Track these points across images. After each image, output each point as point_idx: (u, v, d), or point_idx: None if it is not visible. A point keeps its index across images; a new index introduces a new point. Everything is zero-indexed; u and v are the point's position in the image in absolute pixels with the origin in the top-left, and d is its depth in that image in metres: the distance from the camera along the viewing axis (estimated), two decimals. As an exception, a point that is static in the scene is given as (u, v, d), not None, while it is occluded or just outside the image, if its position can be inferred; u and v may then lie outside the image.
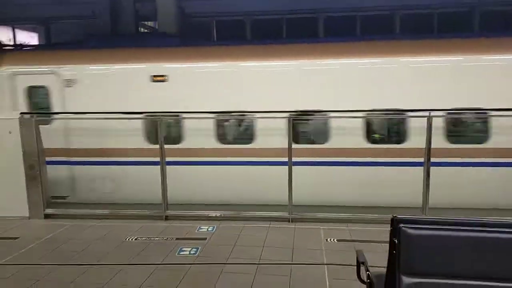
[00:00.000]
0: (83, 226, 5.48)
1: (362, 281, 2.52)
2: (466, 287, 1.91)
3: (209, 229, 5.32)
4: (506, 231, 1.87)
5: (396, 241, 2.02)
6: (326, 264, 4.23)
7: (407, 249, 1.98)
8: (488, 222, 1.90)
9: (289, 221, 5.56)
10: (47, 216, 5.84)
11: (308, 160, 6.33)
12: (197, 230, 5.29)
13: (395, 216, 2.11)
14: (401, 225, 2.03)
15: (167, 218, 5.73)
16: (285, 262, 4.31)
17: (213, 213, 5.73)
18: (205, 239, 4.98)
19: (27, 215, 5.81)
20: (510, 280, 1.85)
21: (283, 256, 4.46)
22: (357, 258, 2.58)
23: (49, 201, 6.03)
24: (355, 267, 2.53)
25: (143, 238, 5.03)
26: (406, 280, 1.97)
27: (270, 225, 5.46)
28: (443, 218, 1.98)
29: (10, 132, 5.65)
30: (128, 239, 5.01)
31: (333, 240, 4.91)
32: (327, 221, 5.47)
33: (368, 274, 2.39)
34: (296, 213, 5.64)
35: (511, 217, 4.16)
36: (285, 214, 5.62)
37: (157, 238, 5.03)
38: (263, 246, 4.74)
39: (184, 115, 6.53)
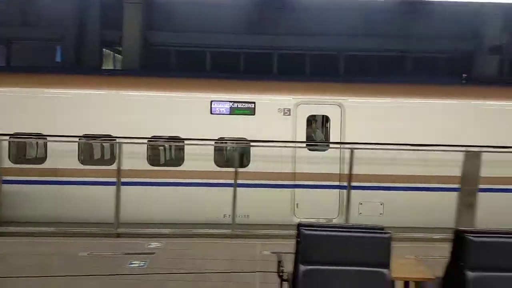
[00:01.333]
0: (36, 243, 5.77)
1: (280, 276, 3.29)
2: (343, 271, 2.74)
3: (157, 245, 5.85)
4: (360, 231, 2.75)
5: (298, 239, 2.83)
6: (258, 271, 4.95)
7: (305, 245, 2.79)
8: (355, 226, 2.78)
9: (231, 237, 6.26)
10: (-2, 234, 6.06)
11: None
12: (147, 246, 5.80)
13: (299, 223, 2.93)
14: (301, 228, 2.84)
15: (118, 235, 6.18)
16: (223, 271, 4.98)
17: (162, 231, 6.29)
18: (153, 253, 5.51)
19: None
20: (366, 265, 2.70)
21: (222, 266, 5.11)
22: (277, 259, 3.35)
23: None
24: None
25: (95, 253, 5.45)
26: (303, 267, 2.77)
27: (214, 241, 6.12)
28: (332, 224, 2.83)
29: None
30: (81, 254, 5.41)
31: (268, 252, 5.65)
32: (265, 237, 6.24)
33: (282, 269, 3.18)
34: (238, 230, 6.37)
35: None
36: (227, 230, 6.33)
37: (109, 254, 5.48)
38: (205, 259, 5.37)
39: None
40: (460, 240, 2.79)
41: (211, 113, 7.31)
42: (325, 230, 2.86)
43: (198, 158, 7.16)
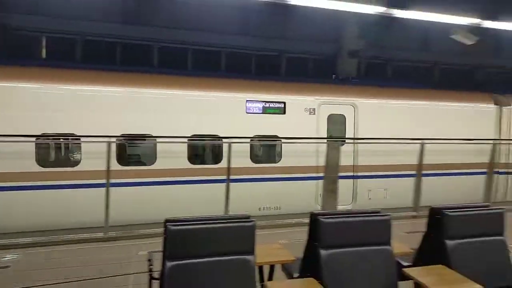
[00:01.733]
0: None
1: (150, 276, 3.20)
2: (209, 262, 2.79)
3: (13, 257, 5.14)
4: (226, 221, 2.85)
5: (165, 235, 2.78)
6: (133, 273, 4.74)
7: (169, 241, 2.75)
8: (220, 216, 2.86)
9: (104, 241, 5.84)
10: None
11: None
12: (-1, 260, 5.05)
13: (166, 219, 2.87)
14: (168, 224, 2.80)
15: (-41, 250, 5.23)
16: (94, 277, 4.63)
17: (19, 240, 5.53)
18: (8, 267, 4.82)
19: None
20: (231, 254, 2.81)
21: (92, 272, 4.75)
22: (148, 257, 3.25)
23: None
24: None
25: None
26: (169, 263, 2.73)
27: (85, 247, 5.63)
28: (193, 217, 2.85)
29: None
30: None
31: (145, 252, 5.44)
32: (144, 237, 5.99)
33: (150, 267, 3.09)
34: (112, 232, 5.97)
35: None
36: (100, 234, 5.89)
37: None
38: (72, 266, 4.91)
39: None
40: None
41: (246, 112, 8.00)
42: (191, 223, 2.86)
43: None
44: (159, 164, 7.45)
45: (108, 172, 6.12)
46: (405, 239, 4.08)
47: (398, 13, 8.10)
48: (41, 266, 4.88)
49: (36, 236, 5.67)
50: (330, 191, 7.11)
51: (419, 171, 7.92)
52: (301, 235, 3.44)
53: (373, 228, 3.18)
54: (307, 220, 3.25)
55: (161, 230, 5.79)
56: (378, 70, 15.22)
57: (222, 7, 12.86)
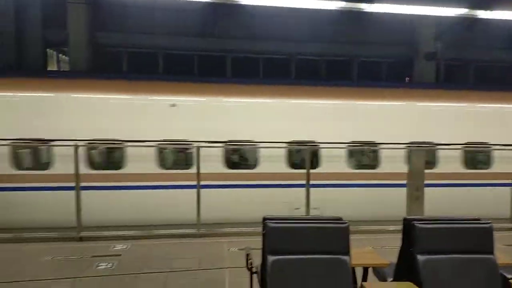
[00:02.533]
0: (-5, 250, 5.59)
1: (249, 269, 3.46)
2: (307, 259, 2.96)
3: (123, 247, 5.84)
4: (320, 222, 3.00)
5: (263, 231, 3.02)
6: (227, 267, 5.11)
7: (270, 237, 2.98)
8: (316, 217, 3.01)
9: (197, 237, 6.36)
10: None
11: None
12: (112, 249, 5.78)
13: (264, 217, 3.12)
14: (266, 221, 3.04)
15: (81, 239, 6.09)
16: (192, 268, 5.08)
17: (126, 233, 6.26)
18: (120, 255, 5.51)
19: None
20: (327, 253, 2.95)
21: (191, 264, 5.22)
22: (245, 252, 3.52)
23: None
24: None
25: (60, 258, 5.36)
26: (270, 258, 2.96)
27: (180, 241, 6.19)
28: (292, 216, 3.05)
29: None
30: (45, 259, 5.30)
31: (235, 249, 5.82)
32: (232, 235, 6.40)
33: (250, 261, 3.35)
34: (203, 229, 6.47)
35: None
36: (193, 230, 6.42)
37: (74, 257, 5.41)
38: (173, 258, 5.44)
39: None
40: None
41: None
42: (288, 222, 3.07)
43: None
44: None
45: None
46: (506, 251, 3.84)
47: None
48: (146, 256, 5.48)
49: (140, 230, 6.37)
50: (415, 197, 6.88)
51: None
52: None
53: (473, 235, 3.08)
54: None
55: (246, 229, 6.20)
56: None
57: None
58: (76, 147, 6.25)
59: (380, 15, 8.64)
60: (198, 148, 6.67)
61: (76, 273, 4.82)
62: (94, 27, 12.36)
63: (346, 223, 3.09)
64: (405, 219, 3.28)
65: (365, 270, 3.49)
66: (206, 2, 6.63)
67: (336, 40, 13.55)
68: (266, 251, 3.01)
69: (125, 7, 12.26)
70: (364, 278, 3.48)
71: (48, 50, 13.53)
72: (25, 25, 12.08)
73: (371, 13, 8.20)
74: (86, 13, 12.03)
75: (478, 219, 3.24)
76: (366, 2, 6.97)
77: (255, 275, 3.37)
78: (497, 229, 6.86)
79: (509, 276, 3.36)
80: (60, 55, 14.81)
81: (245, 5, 7.03)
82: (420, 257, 3.00)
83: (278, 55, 13.98)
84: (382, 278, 3.51)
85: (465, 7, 7.62)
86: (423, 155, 7.42)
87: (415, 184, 7.19)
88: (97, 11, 12.42)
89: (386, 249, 5.75)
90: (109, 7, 12.40)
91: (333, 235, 3.03)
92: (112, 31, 12.75)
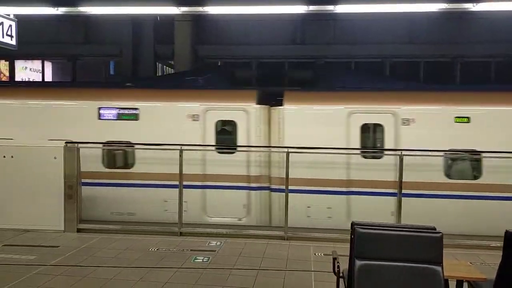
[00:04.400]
0: (111, 239, 6.49)
1: (336, 273, 3.58)
2: (396, 267, 2.99)
3: (217, 244, 6.34)
4: (411, 230, 2.99)
5: (352, 236, 3.12)
6: (313, 271, 5.25)
7: (358, 242, 3.07)
8: (405, 226, 3.02)
9: (284, 239, 6.61)
10: (79, 230, 6.87)
11: None
12: (208, 244, 6.31)
13: (353, 222, 3.22)
14: (356, 226, 3.13)
15: (181, 234, 6.76)
16: (280, 269, 5.33)
17: (220, 230, 6.78)
18: (214, 251, 6.00)
19: (62, 229, 6.83)
20: (418, 261, 2.93)
21: (279, 265, 5.47)
22: (332, 256, 3.65)
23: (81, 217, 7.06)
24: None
25: (163, 249, 6.04)
26: (358, 262, 3.05)
27: (269, 242, 6.50)
28: (379, 223, 3.10)
29: (55, 158, 6.78)
30: (151, 249, 6.02)
31: (321, 254, 5.93)
32: (317, 240, 6.52)
33: (338, 265, 3.47)
34: (290, 232, 6.69)
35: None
36: (281, 233, 6.68)
37: (175, 250, 6.05)
38: (263, 257, 5.75)
39: None
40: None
41: None
42: (377, 228, 3.12)
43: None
44: None
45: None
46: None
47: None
48: (238, 253, 5.88)
49: (233, 229, 6.85)
50: None
51: None
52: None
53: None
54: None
55: (331, 235, 6.25)
56: None
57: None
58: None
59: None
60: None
61: (175, 265, 5.40)
62: (195, 40, 13.54)
63: (439, 232, 3.04)
64: (507, 232, 3.10)
65: (459, 283, 3.37)
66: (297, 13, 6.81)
67: (433, 41, 12.83)
68: (353, 255, 3.11)
69: (221, 21, 13.20)
70: (458, 292, 3.36)
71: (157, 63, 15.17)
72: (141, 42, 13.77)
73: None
74: (189, 28, 13.23)
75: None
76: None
77: (341, 280, 3.47)
78: None
79: None
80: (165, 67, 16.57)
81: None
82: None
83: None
84: (478, 293, 3.35)
85: None
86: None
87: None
88: (198, 27, 13.60)
89: (485, 265, 5.38)
90: (208, 22, 13.46)
91: (425, 244, 3.01)
92: (210, 44, 13.84)
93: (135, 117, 7.79)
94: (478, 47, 12.83)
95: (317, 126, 7.48)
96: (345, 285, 3.39)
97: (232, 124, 7.82)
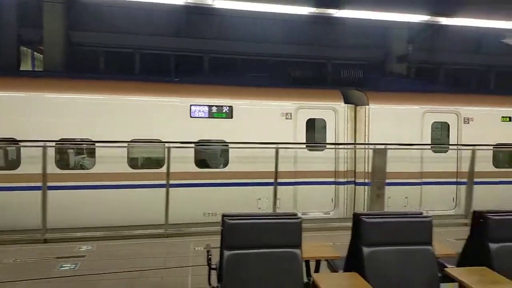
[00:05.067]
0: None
1: (208, 265, 3.61)
2: (261, 253, 3.15)
3: (88, 248, 5.86)
4: (275, 218, 3.20)
5: (222, 227, 3.19)
6: (191, 266, 5.24)
7: (227, 233, 3.15)
8: (272, 214, 3.21)
9: (164, 237, 6.45)
10: None
11: None
12: (77, 250, 5.79)
13: (223, 214, 3.29)
14: (225, 218, 3.21)
15: (46, 241, 6.05)
16: (158, 267, 5.18)
17: (91, 234, 6.27)
18: (84, 256, 5.53)
19: None
20: (280, 247, 3.15)
21: (157, 264, 5.31)
22: (206, 249, 3.67)
23: None
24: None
25: (22, 259, 5.33)
26: (226, 252, 3.13)
27: (147, 241, 6.26)
28: (247, 213, 3.23)
29: None
30: (6, 262, 5.25)
31: (201, 248, 5.95)
32: (197, 234, 6.53)
33: (209, 257, 3.51)
34: (171, 229, 6.56)
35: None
36: (161, 231, 6.50)
37: (37, 259, 5.39)
38: (140, 258, 5.52)
39: None
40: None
41: None
42: (244, 218, 3.25)
43: None
44: None
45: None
46: (455, 245, 4.16)
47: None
48: (111, 257, 5.53)
49: (106, 231, 6.40)
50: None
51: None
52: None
53: (414, 228, 3.37)
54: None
55: (212, 229, 6.34)
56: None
57: None
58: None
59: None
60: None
61: (35, 275, 4.82)
62: (69, 26, 12.20)
63: (299, 218, 3.30)
64: (355, 214, 3.52)
65: (318, 262, 3.72)
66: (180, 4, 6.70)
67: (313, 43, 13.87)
68: (223, 246, 3.18)
69: (98, 6, 12.15)
70: (317, 270, 3.71)
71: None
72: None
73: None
74: (61, 12, 11.85)
75: (421, 213, 3.53)
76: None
77: (214, 271, 3.52)
78: (452, 224, 7.38)
79: (448, 265, 3.68)
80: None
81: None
82: (365, 249, 3.25)
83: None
84: (334, 270, 3.75)
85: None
86: (385, 154, 7.72)
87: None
88: (72, 11, 12.27)
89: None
90: (83, 6, 12.26)
91: (287, 230, 3.24)
92: (86, 31, 12.63)
93: (227, 115, 7.71)
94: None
95: (397, 124, 8.34)
96: (217, 276, 3.45)
97: (321, 122, 8.28)
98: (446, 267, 3.57)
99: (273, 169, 7.02)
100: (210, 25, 13.23)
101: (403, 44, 13.01)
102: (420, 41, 13.27)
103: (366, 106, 8.39)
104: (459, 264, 3.69)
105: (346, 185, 8.27)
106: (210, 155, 8.22)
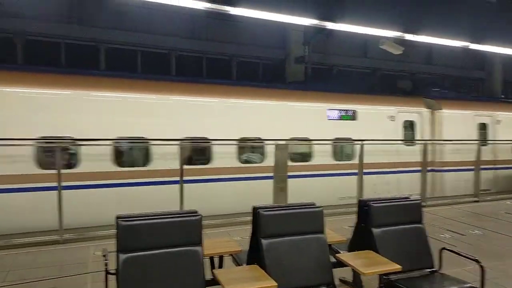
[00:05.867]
0: None
1: (106, 270, 3.39)
2: (157, 254, 3.06)
3: (-33, 262, 5.12)
4: (173, 216, 3.15)
5: (116, 230, 3.02)
6: (90, 272, 4.90)
7: (121, 235, 3.00)
8: (167, 212, 3.15)
9: (60, 243, 5.91)
10: None
11: None
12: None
13: (117, 215, 3.11)
14: (119, 220, 3.05)
15: None
16: (51, 277, 4.74)
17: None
18: (-40, 271, 4.82)
19: None
20: (180, 245, 3.11)
21: (50, 273, 4.85)
22: (102, 253, 3.45)
23: None
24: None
25: None
26: (122, 256, 2.98)
27: (41, 249, 5.68)
28: (142, 213, 3.12)
29: None
30: None
31: (101, 253, 5.58)
32: (97, 239, 6.12)
33: (106, 262, 3.30)
34: (68, 234, 6.05)
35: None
36: (55, 237, 5.95)
37: None
38: (30, 268, 4.98)
39: None
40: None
41: None
42: (140, 219, 3.12)
43: None
44: None
45: None
46: (349, 232, 4.51)
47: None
48: (4, 269, 4.91)
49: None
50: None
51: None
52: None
53: (308, 218, 3.58)
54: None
55: (111, 232, 5.99)
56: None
57: None
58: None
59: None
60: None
61: None
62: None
63: (198, 215, 3.28)
64: (253, 208, 3.61)
65: (221, 258, 3.75)
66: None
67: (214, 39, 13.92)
68: (118, 249, 3.02)
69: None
70: (220, 266, 3.74)
71: None
72: None
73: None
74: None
75: (313, 204, 3.76)
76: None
77: (111, 276, 3.33)
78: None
79: (341, 251, 3.99)
80: None
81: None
82: (264, 241, 3.37)
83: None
84: (238, 264, 3.82)
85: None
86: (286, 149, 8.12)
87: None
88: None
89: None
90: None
91: (185, 228, 3.19)
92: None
93: (351, 117, 9.81)
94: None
95: (459, 125, 11.21)
96: (116, 281, 3.26)
97: (412, 123, 10.71)
98: (339, 252, 3.88)
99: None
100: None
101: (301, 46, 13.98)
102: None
103: (441, 111, 11.00)
104: (350, 249, 4.03)
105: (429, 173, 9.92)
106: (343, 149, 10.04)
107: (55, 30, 12.08)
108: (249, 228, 3.64)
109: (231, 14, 7.63)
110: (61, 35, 12.28)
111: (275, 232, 3.43)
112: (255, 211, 3.51)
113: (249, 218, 3.64)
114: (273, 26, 11.03)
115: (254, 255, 3.52)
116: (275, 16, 7.78)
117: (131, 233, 3.01)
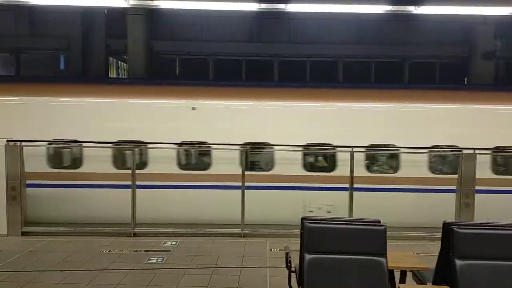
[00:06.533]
0: (59, 242, 6.19)
1: (288, 267, 3.62)
2: (343, 259, 3.08)
3: (172, 243, 6.23)
4: (357, 224, 3.10)
5: (301, 231, 3.17)
6: (268, 267, 5.30)
7: (307, 236, 3.13)
8: (351, 219, 3.12)
9: (241, 237, 6.61)
10: (24, 234, 6.48)
11: None
12: (163, 244, 6.19)
13: (303, 217, 3.27)
14: (305, 221, 3.19)
15: (135, 234, 6.57)
16: (236, 266, 5.33)
17: (176, 230, 6.66)
18: (169, 250, 5.89)
19: (5, 232, 6.42)
20: (364, 254, 3.04)
21: (235, 262, 5.47)
22: (285, 251, 3.69)
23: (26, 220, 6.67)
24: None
25: (116, 251, 5.85)
26: (307, 256, 3.11)
27: (226, 240, 6.48)
28: (326, 217, 3.17)
29: None
30: (102, 251, 5.81)
31: (277, 250, 5.99)
32: (273, 236, 6.59)
33: (289, 260, 3.51)
34: (247, 229, 6.71)
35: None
36: (238, 230, 6.68)
37: (128, 251, 5.87)
38: (219, 255, 5.73)
39: None
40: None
41: None
42: (325, 223, 3.20)
43: None
44: None
45: None
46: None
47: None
48: (194, 252, 5.82)
49: (189, 227, 6.74)
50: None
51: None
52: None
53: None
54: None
55: (287, 231, 6.33)
56: None
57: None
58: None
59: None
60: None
61: (128, 265, 5.25)
62: (150, 35, 13.20)
63: (383, 225, 3.17)
64: (445, 223, 3.28)
65: (403, 273, 3.52)
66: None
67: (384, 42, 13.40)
68: (303, 250, 3.16)
69: (176, 16, 12.93)
70: (402, 281, 3.51)
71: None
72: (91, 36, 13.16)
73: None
74: (143, 23, 12.86)
75: None
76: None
77: (293, 274, 3.52)
78: None
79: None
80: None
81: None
82: (458, 262, 3.00)
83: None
84: (420, 282, 3.53)
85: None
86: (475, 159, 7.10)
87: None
88: (152, 21, 13.24)
89: (431, 255, 5.68)
90: (162, 17, 13.16)
91: (370, 237, 3.12)
92: (165, 39, 13.54)
93: None
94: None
95: None
96: (297, 279, 3.44)
97: None
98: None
99: None
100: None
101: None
102: None
103: None
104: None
105: None
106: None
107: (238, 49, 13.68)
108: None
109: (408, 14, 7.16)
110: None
111: (473, 253, 3.02)
112: (447, 227, 3.17)
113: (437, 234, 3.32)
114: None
115: (443, 275, 3.18)
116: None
117: (317, 235, 3.11)
